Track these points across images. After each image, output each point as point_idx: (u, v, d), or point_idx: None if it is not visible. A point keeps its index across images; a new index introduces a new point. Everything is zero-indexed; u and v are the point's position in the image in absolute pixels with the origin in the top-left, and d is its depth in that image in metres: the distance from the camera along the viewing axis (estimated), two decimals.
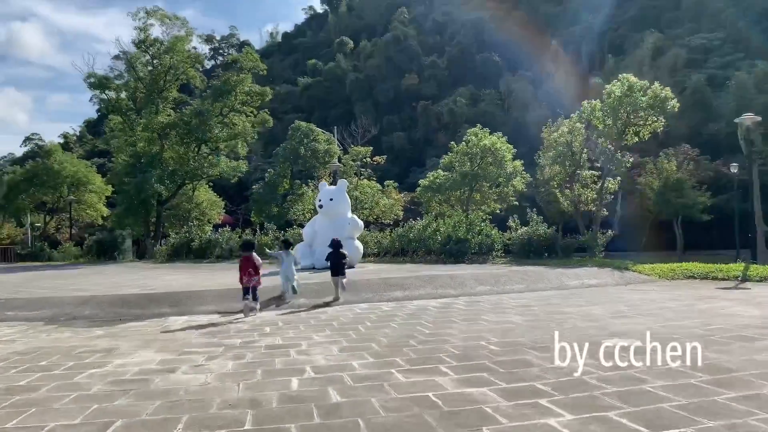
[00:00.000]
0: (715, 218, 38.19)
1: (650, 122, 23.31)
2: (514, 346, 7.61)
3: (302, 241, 18.99)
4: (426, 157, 66.56)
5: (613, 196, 26.82)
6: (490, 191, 30.34)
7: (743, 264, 16.92)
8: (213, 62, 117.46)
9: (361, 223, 19.63)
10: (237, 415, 4.93)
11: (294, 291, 12.27)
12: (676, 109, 22.90)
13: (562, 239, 19.82)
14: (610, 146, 23.66)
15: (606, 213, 25.18)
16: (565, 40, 75.84)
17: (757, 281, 14.85)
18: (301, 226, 29.53)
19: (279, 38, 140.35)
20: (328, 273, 12.79)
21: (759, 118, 20.09)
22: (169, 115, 36.34)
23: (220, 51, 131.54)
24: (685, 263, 17.43)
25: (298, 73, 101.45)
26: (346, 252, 13.12)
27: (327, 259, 12.72)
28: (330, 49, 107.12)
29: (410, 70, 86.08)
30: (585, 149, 25.08)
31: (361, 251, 19.79)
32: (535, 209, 20.87)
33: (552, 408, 4.88)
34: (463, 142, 31.22)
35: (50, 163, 45.05)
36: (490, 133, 30.42)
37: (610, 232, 20.58)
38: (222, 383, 6.07)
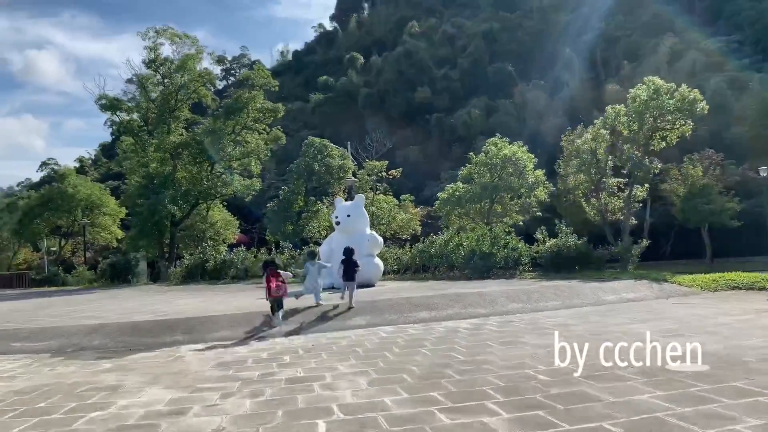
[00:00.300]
0: (744, 224, 36.90)
1: (678, 126, 22.36)
2: (565, 375, 6.75)
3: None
4: (441, 170, 65.73)
5: (641, 204, 25.81)
6: (512, 203, 29.37)
7: None
8: (225, 82, 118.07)
9: (380, 239, 18.84)
10: None
11: (318, 304, 12.68)
12: (706, 111, 21.96)
13: (594, 250, 18.88)
14: (637, 152, 22.70)
15: (635, 221, 24.16)
16: (579, 48, 74.97)
17: None
18: (317, 243, 28.84)
19: (289, 57, 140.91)
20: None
21: None
22: (181, 135, 35.98)
23: (232, 71, 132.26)
24: (728, 273, 16.40)
25: (310, 91, 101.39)
26: (357, 260, 13.48)
27: (341, 265, 13.15)
28: (340, 65, 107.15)
29: (422, 83, 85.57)
30: (610, 156, 24.14)
31: (381, 269, 18.97)
32: (564, 220, 19.96)
33: None
34: (482, 153, 30.39)
35: (64, 186, 44.88)
36: (510, 143, 29.58)
37: (644, 242, 19.60)
38: (238, 428, 5.30)
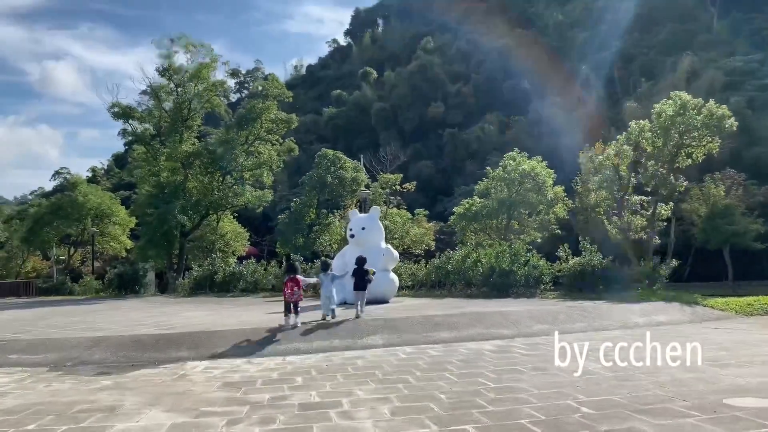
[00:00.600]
0: (767, 246, 35.82)
1: (705, 143, 21.58)
2: (612, 407, 6.02)
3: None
4: (454, 185, 65.09)
5: (666, 223, 24.95)
6: (530, 219, 28.55)
7: None
8: (238, 95, 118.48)
9: (396, 253, 18.12)
10: None
11: (333, 315, 12.52)
12: (735, 128, 21.19)
13: (620, 270, 18.07)
14: (662, 169, 21.92)
15: (658, 241, 23.32)
16: (596, 65, 74.32)
17: None
18: (328, 256, 28.14)
19: (303, 71, 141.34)
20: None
21: None
22: (193, 144, 35.61)
23: (246, 85, 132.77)
24: (763, 297, 15.55)
25: (323, 105, 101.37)
26: (371, 269, 13.62)
27: (352, 275, 13.37)
28: (354, 80, 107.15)
29: (436, 99, 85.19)
30: (633, 173, 23.37)
31: (396, 285, 18.25)
32: (587, 238, 19.17)
33: None
34: (500, 167, 29.68)
35: (74, 195, 44.59)
36: (528, 158, 28.85)
37: (673, 262, 18.77)
38: None
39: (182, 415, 6.38)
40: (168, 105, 36.01)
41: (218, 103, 37.06)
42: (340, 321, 12.52)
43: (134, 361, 10.19)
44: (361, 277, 13.26)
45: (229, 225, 40.50)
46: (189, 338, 11.23)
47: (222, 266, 28.27)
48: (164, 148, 34.78)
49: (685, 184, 23.59)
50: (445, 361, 9.19)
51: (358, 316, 12.64)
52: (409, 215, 35.30)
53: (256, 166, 35.58)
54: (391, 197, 35.37)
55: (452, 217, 31.41)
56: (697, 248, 40.24)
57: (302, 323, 11.98)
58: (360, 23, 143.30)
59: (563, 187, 29.82)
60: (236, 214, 41.75)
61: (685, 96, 21.43)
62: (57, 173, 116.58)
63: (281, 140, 37.74)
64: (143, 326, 13.49)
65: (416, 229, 34.17)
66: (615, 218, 23.74)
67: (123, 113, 34.58)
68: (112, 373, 9.30)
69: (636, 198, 23.72)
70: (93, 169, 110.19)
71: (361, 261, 13.51)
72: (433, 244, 34.40)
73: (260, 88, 38.48)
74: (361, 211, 21.36)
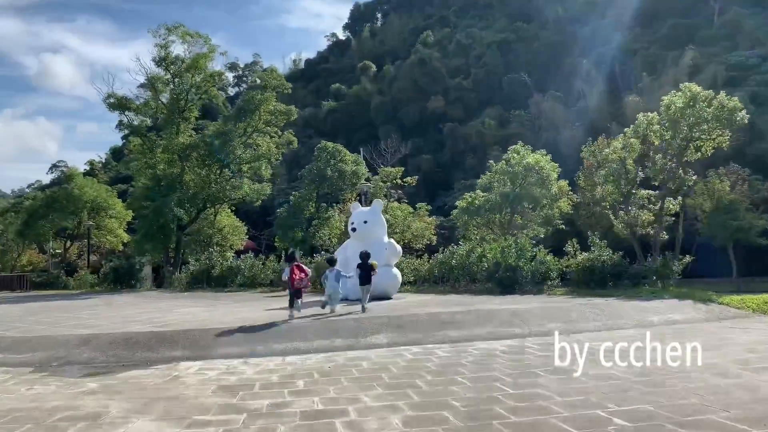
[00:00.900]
0: None
1: (715, 136, 20.99)
2: (647, 419, 5.46)
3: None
4: (453, 180, 64.47)
5: (674, 218, 24.37)
6: (533, 213, 27.92)
7: None
8: (237, 89, 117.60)
9: (399, 248, 17.52)
10: None
11: (332, 310, 12.76)
12: (746, 121, 20.60)
13: (630, 266, 17.51)
14: (671, 163, 21.33)
15: (666, 236, 22.74)
16: (596, 60, 73.64)
17: None
18: (327, 251, 27.56)
19: (302, 65, 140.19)
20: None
21: None
22: (190, 136, 34.86)
23: (244, 79, 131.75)
24: None
25: (321, 99, 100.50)
26: (374, 262, 13.63)
27: (357, 268, 13.45)
28: (353, 74, 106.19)
29: (435, 92, 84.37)
30: (640, 167, 22.77)
31: (400, 280, 17.67)
32: (598, 233, 18.59)
33: None
34: (503, 161, 29.04)
35: (70, 188, 43.80)
36: (533, 151, 28.18)
37: (686, 258, 18.20)
38: None
39: (172, 425, 5.82)
40: (165, 96, 35.28)
41: (216, 94, 36.28)
42: (342, 317, 12.01)
43: (125, 361, 9.63)
44: (366, 271, 13.28)
45: (226, 219, 39.85)
46: (183, 336, 10.66)
47: (219, 260, 27.68)
48: (161, 140, 34.04)
49: (694, 177, 23.01)
50: (456, 362, 8.63)
51: (364, 310, 12.82)
52: (411, 209, 34.63)
53: (254, 159, 34.85)
54: (392, 191, 34.72)
55: (454, 212, 30.76)
56: (699, 243, 39.75)
57: (304, 317, 12.01)
58: (359, 17, 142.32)
59: (567, 182, 29.23)
60: (234, 208, 41.08)
61: (695, 87, 20.79)
62: (54, 166, 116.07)
63: (280, 132, 37.03)
64: (136, 323, 12.91)
65: (417, 223, 33.54)
66: (621, 213, 23.16)
67: (119, 104, 33.76)
68: (100, 374, 8.74)
69: (644, 192, 23.13)
70: (91, 163, 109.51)
71: (365, 256, 13.49)
72: (434, 238, 33.78)
73: (258, 80, 37.71)
74: (361, 205, 20.76)
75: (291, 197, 36.57)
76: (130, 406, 6.59)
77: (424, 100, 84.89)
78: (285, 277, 12.59)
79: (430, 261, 21.69)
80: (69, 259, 49.83)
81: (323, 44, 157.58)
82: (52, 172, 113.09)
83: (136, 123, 35.52)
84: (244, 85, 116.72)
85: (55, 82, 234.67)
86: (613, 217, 23.86)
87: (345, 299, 14.73)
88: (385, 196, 33.46)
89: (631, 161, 23.02)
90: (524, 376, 7.51)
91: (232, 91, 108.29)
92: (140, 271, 30.95)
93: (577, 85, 72.57)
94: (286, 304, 12.82)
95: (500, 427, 5.34)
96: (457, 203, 30.51)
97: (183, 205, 32.63)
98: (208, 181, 34.70)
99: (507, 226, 27.33)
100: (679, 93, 20.94)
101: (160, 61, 33.52)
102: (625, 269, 17.12)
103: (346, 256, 16.23)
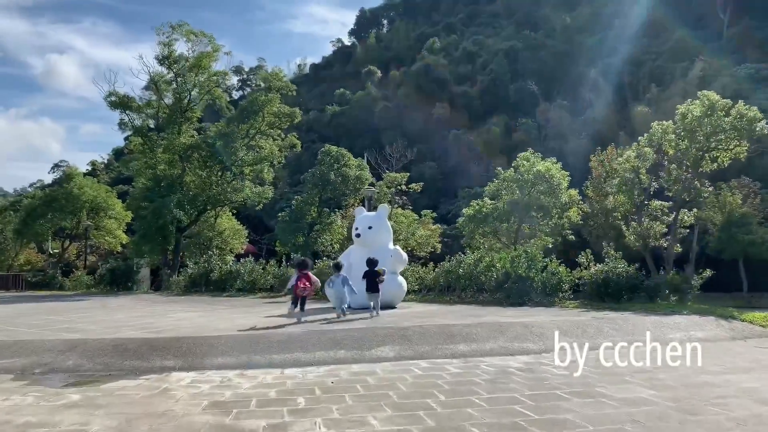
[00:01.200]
0: None
1: (732, 147, 20.35)
2: None
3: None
4: (457, 187, 63.78)
5: (688, 230, 23.70)
6: (542, 223, 27.19)
7: None
8: (241, 92, 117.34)
9: (405, 255, 16.83)
10: None
11: (343, 314, 12.94)
12: (766, 132, 19.98)
13: (646, 279, 16.83)
14: (686, 173, 20.68)
15: (680, 249, 22.07)
16: (604, 70, 73.16)
17: None
18: (329, 257, 26.92)
19: (306, 70, 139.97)
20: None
21: None
22: (192, 137, 34.27)
23: (248, 82, 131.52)
24: None
25: (326, 104, 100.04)
26: (381, 269, 13.71)
27: (363, 277, 13.41)
28: (358, 80, 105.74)
29: (441, 99, 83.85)
30: (653, 177, 22.13)
31: (405, 289, 16.99)
32: (612, 244, 17.94)
33: None
34: (512, 168, 28.36)
35: (69, 187, 43.16)
36: (543, 159, 27.49)
37: (707, 272, 17.54)
38: None
39: None
40: (168, 96, 34.73)
41: (219, 94, 35.67)
42: (347, 326, 11.37)
43: (112, 370, 8.97)
44: (373, 279, 13.35)
45: (227, 222, 39.21)
46: (176, 344, 9.99)
47: (219, 264, 27.00)
48: (162, 140, 33.47)
49: (710, 189, 22.36)
50: (469, 380, 7.95)
51: (377, 314, 13.25)
52: (415, 216, 33.95)
53: (256, 161, 34.22)
54: (397, 197, 34.05)
55: (460, 219, 30.05)
56: (705, 257, 39.07)
57: (305, 320, 12.03)
58: (365, 23, 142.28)
59: (578, 190, 28.60)
60: (235, 211, 40.47)
61: (714, 96, 20.19)
62: (56, 166, 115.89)
63: (283, 135, 36.45)
64: (128, 328, 12.26)
65: (422, 230, 32.84)
66: (634, 224, 22.50)
67: (120, 103, 33.19)
68: (85, 383, 8.09)
69: (657, 203, 22.46)
70: (93, 163, 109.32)
71: (372, 263, 13.58)
72: (439, 246, 33.08)
73: (262, 83, 37.17)
74: (366, 210, 20.10)
75: (293, 201, 35.97)
76: (112, 424, 5.94)
77: (429, 107, 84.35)
78: (291, 284, 12.55)
79: (436, 269, 21.02)
80: (68, 259, 49.19)
81: (328, 50, 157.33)
82: (53, 172, 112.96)
83: (137, 123, 35.01)
84: (249, 89, 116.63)
85: (60, 82, 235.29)
86: (624, 228, 23.19)
87: (348, 306, 14.13)
88: (390, 202, 32.81)
89: (644, 171, 22.37)
90: (546, 399, 6.83)
91: (236, 95, 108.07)
92: (137, 273, 30.31)
93: (584, 94, 72.04)
94: (286, 311, 13.07)
95: None
96: (463, 211, 29.79)
97: (183, 206, 31.99)
98: (209, 183, 34.10)
99: (515, 236, 26.63)
100: (697, 101, 20.33)
101: (164, 59, 32.99)
102: (641, 282, 16.42)
103: (350, 262, 15.53)
